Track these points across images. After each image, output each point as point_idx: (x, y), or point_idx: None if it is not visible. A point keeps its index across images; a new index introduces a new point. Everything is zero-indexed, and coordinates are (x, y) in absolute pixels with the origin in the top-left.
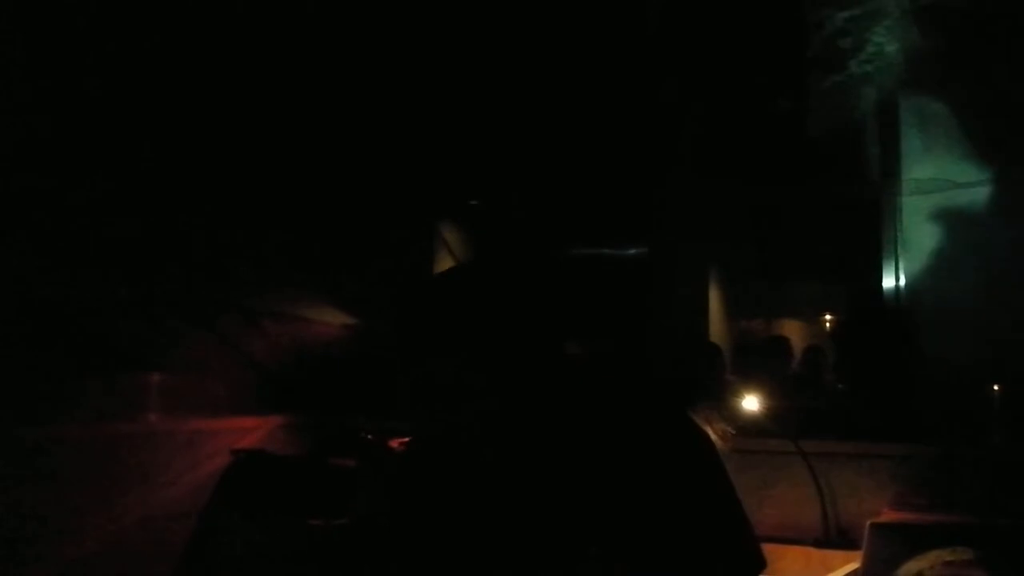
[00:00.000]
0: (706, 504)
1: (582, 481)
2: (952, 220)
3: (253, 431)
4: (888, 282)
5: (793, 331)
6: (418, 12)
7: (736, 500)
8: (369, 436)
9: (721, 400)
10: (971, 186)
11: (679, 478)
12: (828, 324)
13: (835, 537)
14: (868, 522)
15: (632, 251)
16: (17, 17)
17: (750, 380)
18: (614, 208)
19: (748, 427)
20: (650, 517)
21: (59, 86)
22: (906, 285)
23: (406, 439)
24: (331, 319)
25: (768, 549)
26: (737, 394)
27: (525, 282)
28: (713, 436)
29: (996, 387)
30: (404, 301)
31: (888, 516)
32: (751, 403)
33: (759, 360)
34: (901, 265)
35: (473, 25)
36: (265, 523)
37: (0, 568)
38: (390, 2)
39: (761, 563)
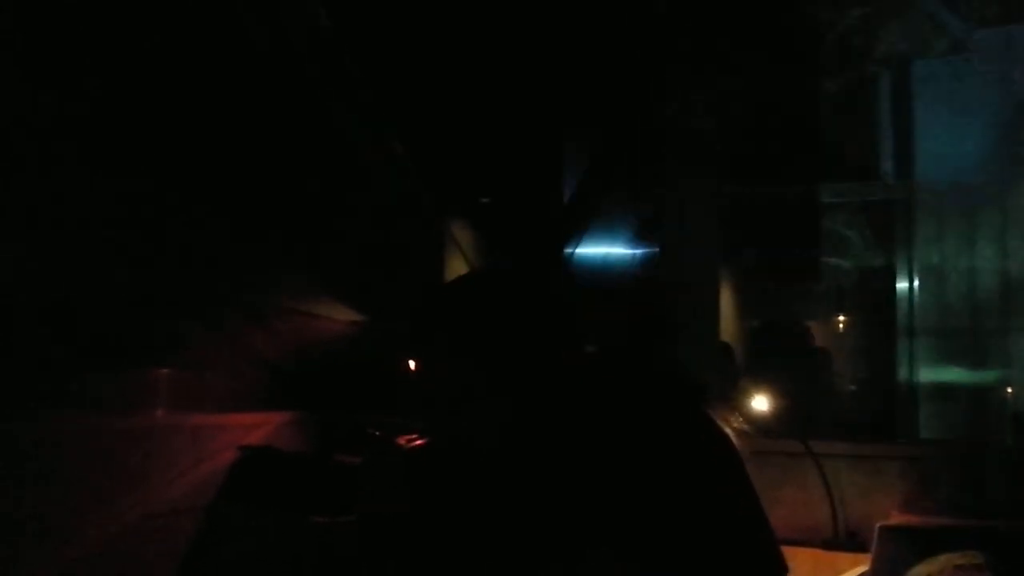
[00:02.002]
0: (726, 505)
1: (597, 482)
2: (965, 221)
3: (259, 427)
4: (900, 283)
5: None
6: (427, 8)
7: (756, 501)
8: (376, 433)
9: (733, 400)
10: (984, 187)
11: (698, 479)
12: (840, 325)
13: (844, 539)
14: (877, 524)
15: (642, 251)
16: (17, 16)
17: (760, 380)
18: (625, 208)
19: (757, 428)
20: (668, 519)
21: (60, 84)
22: (918, 286)
23: (413, 436)
24: (338, 315)
25: None
26: (747, 394)
27: (538, 282)
28: (732, 436)
29: (1008, 390)
30: (422, 307)
31: (897, 519)
32: (761, 403)
33: (770, 361)
34: (913, 266)
35: (482, 21)
36: (271, 519)
37: (0, 567)
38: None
39: (782, 567)
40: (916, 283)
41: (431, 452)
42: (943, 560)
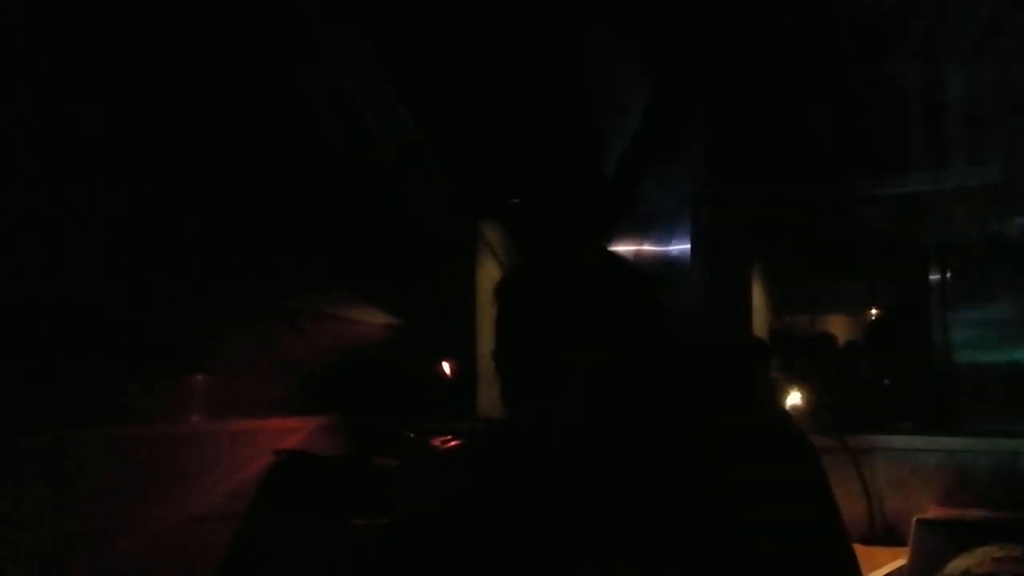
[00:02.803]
0: (813, 514)
1: (678, 491)
2: (1003, 209)
3: (296, 432)
4: (933, 277)
5: (839, 327)
6: (455, 13)
7: (834, 503)
8: (412, 435)
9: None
10: (1020, 179)
11: (780, 482)
12: (875, 318)
13: (881, 534)
14: (915, 518)
15: (675, 247)
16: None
17: (795, 377)
18: (656, 204)
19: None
20: (748, 522)
21: (102, 84)
22: (951, 279)
23: (448, 438)
24: (372, 319)
25: None
26: (782, 391)
27: (578, 277)
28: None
29: None
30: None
31: (935, 512)
32: (796, 399)
33: (804, 356)
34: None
35: (511, 25)
36: (308, 523)
37: (43, 570)
38: (427, 3)
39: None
40: (951, 274)
41: (488, 449)
42: (981, 553)
